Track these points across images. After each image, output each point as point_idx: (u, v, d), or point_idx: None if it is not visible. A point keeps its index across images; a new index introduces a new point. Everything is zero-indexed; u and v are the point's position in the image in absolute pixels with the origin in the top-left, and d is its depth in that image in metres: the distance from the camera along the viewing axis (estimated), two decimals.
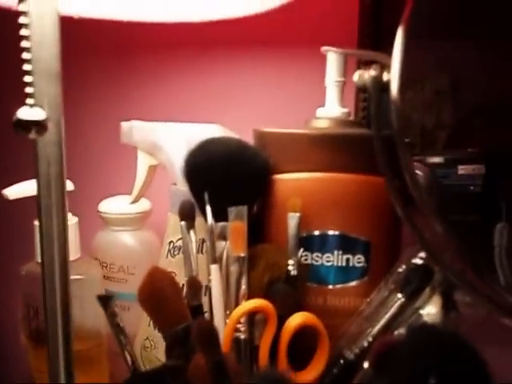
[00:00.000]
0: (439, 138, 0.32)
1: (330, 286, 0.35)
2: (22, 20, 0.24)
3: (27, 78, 0.25)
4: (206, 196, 0.34)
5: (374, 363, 0.23)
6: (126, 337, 0.29)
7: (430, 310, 0.28)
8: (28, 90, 0.25)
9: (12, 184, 0.40)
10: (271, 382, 0.21)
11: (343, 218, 0.35)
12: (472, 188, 0.30)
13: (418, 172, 0.29)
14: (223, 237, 0.34)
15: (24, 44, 0.25)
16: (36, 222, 0.42)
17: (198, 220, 0.36)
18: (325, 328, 0.32)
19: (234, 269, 0.33)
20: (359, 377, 0.28)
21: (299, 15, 0.41)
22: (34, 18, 0.26)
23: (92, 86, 0.52)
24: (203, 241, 0.38)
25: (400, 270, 0.32)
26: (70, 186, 0.37)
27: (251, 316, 0.32)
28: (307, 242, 0.35)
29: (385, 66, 0.28)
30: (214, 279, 0.33)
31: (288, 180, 0.36)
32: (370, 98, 0.28)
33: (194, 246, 0.35)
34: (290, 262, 0.33)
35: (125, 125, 0.42)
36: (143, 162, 0.42)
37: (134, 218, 0.48)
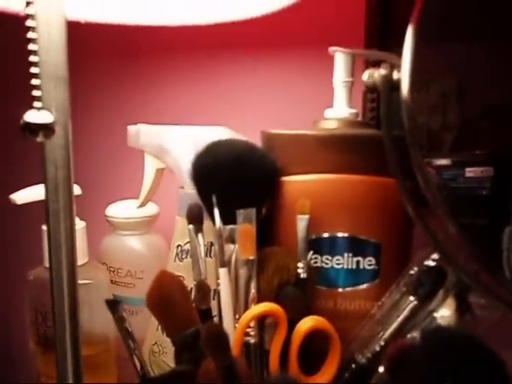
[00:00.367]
0: (446, 140, 0.32)
1: (341, 289, 0.35)
2: (29, 23, 0.24)
3: (34, 81, 0.25)
4: (214, 199, 0.33)
5: (389, 368, 0.22)
6: (134, 341, 0.28)
7: (444, 313, 0.28)
8: (35, 93, 0.25)
9: (20, 189, 0.40)
10: None
11: (353, 219, 0.35)
12: (480, 191, 0.29)
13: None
14: (232, 240, 0.34)
15: (31, 47, 0.25)
16: (44, 227, 0.42)
17: (206, 223, 0.35)
18: (336, 331, 0.31)
19: (243, 272, 0.32)
20: (374, 382, 0.27)
21: (306, 16, 0.40)
22: (41, 22, 0.26)
23: (98, 90, 0.52)
24: (211, 244, 0.38)
25: (412, 272, 0.31)
26: (77, 190, 0.37)
27: (261, 320, 0.31)
28: (317, 245, 0.35)
29: (394, 66, 0.27)
30: (223, 283, 0.33)
31: (296, 182, 0.36)
32: (381, 97, 0.28)
33: (202, 250, 0.35)
34: (300, 264, 0.33)
35: (131, 128, 0.42)
36: (150, 166, 0.42)
37: (141, 222, 0.48)
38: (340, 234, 0.35)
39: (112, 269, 0.48)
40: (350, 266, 0.35)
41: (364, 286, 0.35)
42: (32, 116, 0.25)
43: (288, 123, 0.39)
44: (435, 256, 0.30)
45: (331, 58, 0.37)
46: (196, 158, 0.36)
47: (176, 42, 0.50)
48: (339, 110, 0.37)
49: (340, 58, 0.36)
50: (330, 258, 0.35)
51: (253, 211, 0.33)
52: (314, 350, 0.31)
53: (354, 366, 0.32)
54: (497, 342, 0.23)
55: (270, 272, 0.32)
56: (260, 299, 0.32)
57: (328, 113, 0.37)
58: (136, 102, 0.53)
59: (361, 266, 0.34)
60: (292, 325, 0.31)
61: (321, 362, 0.31)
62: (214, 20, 0.40)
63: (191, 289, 0.35)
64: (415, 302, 0.30)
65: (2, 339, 0.56)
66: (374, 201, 0.35)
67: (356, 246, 0.35)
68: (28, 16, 0.24)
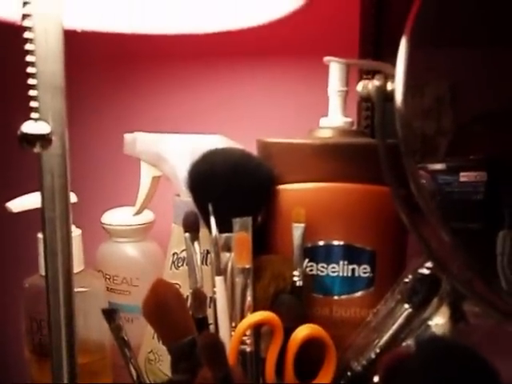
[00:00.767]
0: (440, 145, 0.32)
1: (336, 297, 0.35)
2: (26, 35, 0.25)
3: (32, 92, 0.25)
4: (210, 207, 0.34)
5: (384, 377, 0.23)
6: (130, 350, 0.28)
7: (439, 321, 0.28)
8: (33, 104, 0.25)
9: (15, 197, 0.40)
10: None
11: (347, 227, 0.35)
12: (474, 195, 0.30)
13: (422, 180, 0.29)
14: (228, 248, 0.34)
15: (29, 58, 0.25)
16: (40, 235, 0.42)
17: (202, 231, 0.36)
18: (331, 339, 0.31)
19: (239, 280, 0.33)
20: None
21: (301, 26, 0.41)
22: (38, 32, 0.26)
23: (95, 98, 0.53)
24: (207, 252, 0.38)
25: (406, 280, 0.31)
26: (73, 198, 0.37)
27: (257, 328, 0.31)
28: (312, 253, 0.35)
29: (388, 76, 0.28)
30: (219, 291, 0.33)
31: (292, 190, 0.36)
32: (375, 108, 0.28)
33: (198, 258, 0.35)
34: (296, 272, 0.33)
35: (128, 136, 0.42)
36: (146, 174, 0.42)
37: (136, 230, 0.48)
38: (335, 242, 0.35)
39: (108, 276, 0.48)
40: (345, 274, 0.35)
41: (359, 293, 0.35)
42: (29, 127, 0.25)
43: (283, 132, 0.39)
44: (429, 264, 0.30)
45: (326, 68, 0.38)
46: (192, 166, 0.36)
47: (173, 51, 0.50)
48: (334, 119, 0.37)
49: (335, 68, 0.37)
50: (325, 265, 0.35)
51: (249, 220, 0.33)
52: (309, 358, 0.31)
53: (349, 373, 0.32)
54: (490, 351, 0.23)
55: (266, 280, 0.33)
56: (256, 307, 0.32)
57: (323, 122, 0.38)
58: (133, 110, 0.53)
59: (356, 274, 0.35)
60: (288, 333, 0.31)
61: (316, 370, 0.31)
62: (212, 29, 0.40)
63: (187, 296, 0.35)
64: (410, 310, 0.30)
65: None
66: (369, 209, 0.35)
67: (351, 254, 0.35)
68: (26, 28, 0.25)
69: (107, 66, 0.53)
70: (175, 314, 0.30)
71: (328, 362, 0.31)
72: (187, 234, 0.35)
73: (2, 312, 0.56)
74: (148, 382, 0.37)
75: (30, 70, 0.25)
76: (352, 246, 0.35)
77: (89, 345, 0.43)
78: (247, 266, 0.33)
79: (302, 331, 0.31)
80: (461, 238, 0.28)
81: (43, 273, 0.42)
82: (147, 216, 0.48)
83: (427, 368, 0.20)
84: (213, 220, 0.33)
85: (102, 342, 0.43)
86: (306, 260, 0.35)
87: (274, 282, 0.33)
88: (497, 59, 0.30)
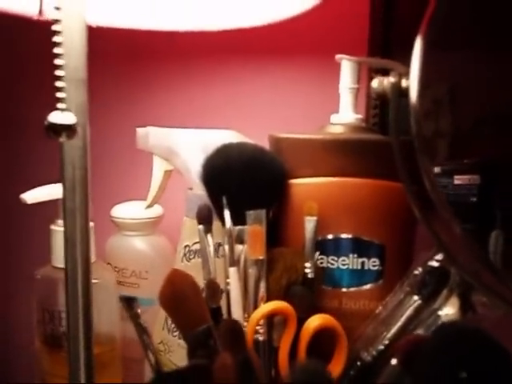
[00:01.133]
0: (439, 148, 0.33)
1: (345, 289, 0.36)
2: (55, 27, 0.25)
3: (58, 84, 0.25)
4: (225, 200, 0.34)
5: (402, 360, 0.23)
6: (149, 337, 0.29)
7: (448, 311, 0.29)
8: (59, 94, 0.25)
9: (29, 188, 0.41)
10: (311, 374, 0.22)
11: (357, 221, 0.36)
12: (468, 197, 0.31)
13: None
14: (240, 240, 0.35)
15: (56, 50, 0.25)
16: (53, 227, 0.43)
17: (214, 224, 0.36)
18: None
19: (252, 272, 0.33)
20: (386, 373, 0.28)
21: (312, 23, 0.42)
22: (64, 26, 0.27)
23: (109, 93, 0.53)
24: (219, 245, 0.38)
25: (416, 272, 0.32)
26: None
27: (270, 318, 0.32)
28: (322, 246, 0.36)
29: (402, 73, 0.29)
30: (233, 282, 0.33)
31: (303, 184, 0.37)
32: (390, 104, 0.29)
33: (211, 250, 0.35)
34: (307, 264, 0.34)
35: (141, 130, 0.43)
36: (159, 168, 0.43)
37: (146, 223, 0.49)
38: (345, 236, 0.36)
39: (117, 269, 0.48)
40: (355, 267, 0.36)
41: (368, 286, 0.36)
42: (56, 117, 0.25)
43: (294, 128, 0.40)
44: (439, 257, 0.31)
45: (336, 65, 0.38)
46: (207, 159, 0.36)
47: (186, 47, 0.50)
48: (345, 116, 0.38)
49: (346, 66, 0.38)
50: (335, 258, 0.36)
51: (263, 212, 0.33)
52: (321, 348, 0.32)
53: (359, 363, 0.33)
54: (496, 336, 0.24)
55: (279, 272, 0.33)
56: (269, 298, 0.33)
57: (334, 118, 0.39)
58: (144, 104, 0.54)
59: (366, 267, 0.36)
60: (300, 323, 0.32)
61: (328, 359, 0.32)
62: (226, 26, 0.41)
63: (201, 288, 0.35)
64: (419, 302, 0.31)
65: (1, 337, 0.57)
66: (378, 204, 0.36)
67: (361, 247, 0.36)
68: (54, 21, 0.25)
69: (120, 61, 0.53)
70: (191, 303, 0.31)
71: (339, 352, 0.32)
72: (201, 226, 0.36)
73: (11, 302, 0.56)
74: None
75: (57, 61, 0.25)
76: (361, 239, 0.36)
77: (99, 336, 0.43)
78: (261, 258, 0.33)
79: (315, 321, 0.31)
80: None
81: (56, 264, 0.43)
82: (156, 210, 0.49)
83: (445, 349, 0.21)
84: (227, 213, 0.34)
85: (112, 333, 0.44)
86: (317, 253, 0.35)
87: (286, 274, 0.33)
88: (496, 63, 0.31)
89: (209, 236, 0.36)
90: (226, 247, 0.35)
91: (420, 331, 0.30)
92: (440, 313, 0.29)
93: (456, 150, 0.32)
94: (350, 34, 0.45)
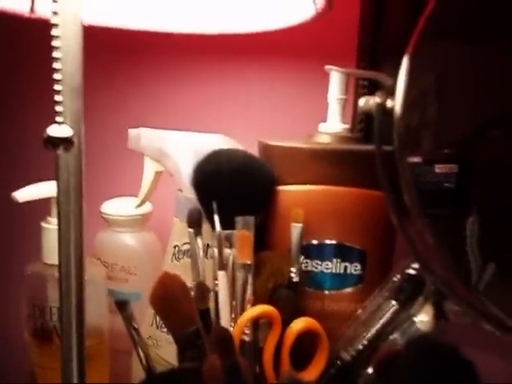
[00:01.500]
0: (424, 137, 0.35)
1: (328, 292, 0.38)
2: (53, 32, 0.26)
3: (57, 98, 0.26)
4: (215, 205, 0.36)
5: (378, 370, 0.25)
6: (141, 338, 0.31)
7: (423, 318, 0.31)
8: (58, 108, 0.26)
9: (22, 186, 0.41)
10: None
11: (340, 228, 0.38)
12: (446, 185, 0.32)
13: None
14: (229, 244, 0.36)
15: (55, 66, 0.26)
16: (43, 224, 0.43)
17: (204, 226, 0.38)
18: (323, 330, 0.34)
19: (240, 275, 0.35)
20: (363, 381, 0.30)
21: (307, 33, 0.42)
22: (62, 31, 0.27)
23: (101, 92, 0.53)
24: (208, 246, 0.40)
25: (395, 279, 0.34)
26: None
27: (256, 320, 0.34)
28: (307, 250, 0.37)
29: (388, 92, 0.30)
30: (221, 285, 0.35)
31: (290, 191, 0.38)
32: (375, 123, 0.30)
33: (201, 252, 0.37)
34: (293, 269, 0.36)
35: (132, 131, 0.44)
36: (150, 169, 0.43)
37: (135, 220, 0.49)
38: (328, 241, 0.38)
39: (106, 264, 0.49)
40: (337, 271, 0.37)
41: (349, 289, 0.38)
42: (54, 130, 0.26)
43: (284, 133, 0.41)
44: (416, 265, 0.33)
45: (326, 74, 0.40)
46: (198, 164, 0.37)
47: (180, 49, 0.51)
48: (333, 125, 0.40)
49: (335, 77, 0.39)
50: (319, 262, 0.38)
51: (252, 219, 0.35)
52: (303, 348, 0.34)
53: (339, 362, 0.35)
54: (465, 342, 0.26)
55: (266, 276, 0.35)
56: (255, 300, 0.35)
57: (322, 127, 0.40)
58: (138, 102, 0.54)
59: (348, 271, 0.37)
60: (284, 325, 0.33)
61: (310, 359, 0.34)
62: (219, 30, 0.41)
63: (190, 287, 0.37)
64: (396, 307, 0.34)
65: None
66: (361, 211, 0.38)
67: (343, 253, 0.38)
68: (53, 25, 0.26)
69: (112, 61, 0.53)
70: (181, 305, 0.32)
71: (321, 352, 0.34)
72: (191, 230, 0.37)
73: (2, 296, 0.57)
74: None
75: (56, 76, 0.26)
76: (344, 245, 0.37)
77: (88, 329, 0.44)
78: (248, 262, 0.35)
79: (298, 324, 0.33)
80: (435, 224, 0.30)
81: (46, 261, 0.44)
82: (146, 207, 0.50)
83: (414, 363, 0.23)
84: (217, 218, 0.35)
85: (100, 326, 0.45)
86: (302, 257, 0.37)
87: (272, 278, 0.35)
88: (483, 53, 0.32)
89: (199, 239, 0.37)
90: (215, 250, 0.36)
91: (396, 334, 0.33)
92: (415, 319, 0.31)
93: (438, 139, 0.34)
94: (340, 42, 0.46)
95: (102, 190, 0.51)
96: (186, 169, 0.40)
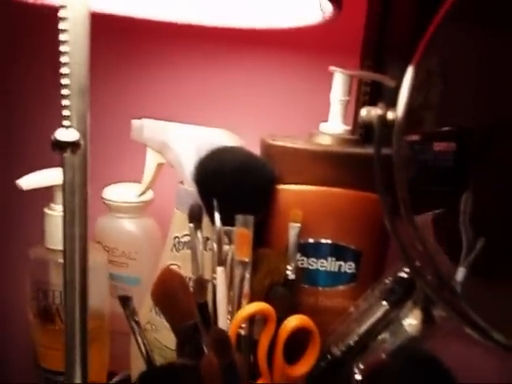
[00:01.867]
0: (425, 118, 0.35)
1: (322, 288, 0.39)
2: (61, 26, 0.26)
3: (65, 102, 0.27)
4: (215, 202, 0.36)
5: (367, 379, 0.27)
6: (142, 331, 0.32)
7: (412, 322, 0.33)
8: (65, 112, 0.27)
9: (25, 173, 0.42)
10: None
11: (337, 228, 0.39)
12: (444, 162, 0.33)
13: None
14: (228, 240, 0.37)
15: (63, 70, 0.26)
16: (46, 210, 0.44)
17: (204, 220, 0.39)
18: (316, 324, 0.36)
19: (238, 271, 0.36)
20: None
21: (314, 32, 0.42)
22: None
23: (104, 82, 0.53)
24: (207, 238, 0.41)
25: (387, 281, 0.36)
26: None
27: (252, 316, 0.35)
28: (304, 248, 0.39)
29: (389, 106, 0.30)
30: (220, 280, 0.36)
31: (289, 191, 0.39)
32: (375, 134, 0.31)
33: (201, 247, 0.38)
34: (289, 267, 0.37)
35: (135, 122, 0.44)
36: (152, 160, 0.44)
37: (136, 207, 0.50)
38: (324, 241, 0.39)
39: (107, 248, 0.50)
40: (332, 269, 0.39)
41: (343, 286, 0.39)
42: (62, 134, 0.27)
43: (286, 130, 0.42)
44: (407, 269, 0.35)
45: (330, 74, 0.40)
46: (201, 161, 0.38)
47: (185, 42, 0.51)
48: (334, 126, 0.40)
49: (338, 78, 0.39)
50: (315, 260, 0.39)
51: (251, 218, 0.36)
52: (296, 343, 0.36)
53: (329, 356, 0.37)
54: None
55: (263, 274, 0.36)
56: (252, 297, 0.36)
57: (323, 127, 0.40)
58: (141, 92, 0.54)
59: (342, 270, 0.39)
60: (279, 321, 0.35)
61: (302, 353, 0.36)
62: (224, 24, 0.41)
63: (189, 278, 0.38)
64: (387, 307, 0.35)
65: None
66: (356, 213, 0.39)
67: (339, 252, 0.39)
68: (61, 19, 0.26)
69: (116, 51, 0.53)
70: (181, 300, 0.34)
71: (312, 348, 0.35)
72: (192, 225, 0.38)
73: (6, 278, 0.58)
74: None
75: (63, 81, 0.26)
76: (339, 244, 0.39)
77: (90, 312, 0.46)
78: (246, 260, 0.36)
79: (292, 322, 0.35)
80: (432, 200, 0.31)
81: (49, 245, 0.45)
82: (146, 194, 0.50)
83: (400, 373, 0.24)
84: (217, 215, 0.36)
85: (101, 309, 0.47)
86: (299, 254, 0.38)
87: (269, 276, 0.36)
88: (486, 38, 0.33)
89: (199, 233, 0.38)
90: (215, 245, 0.37)
91: (385, 334, 0.34)
92: (403, 322, 0.33)
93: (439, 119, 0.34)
94: (345, 41, 0.46)
95: (103, 175, 0.52)
96: (187, 162, 0.41)
